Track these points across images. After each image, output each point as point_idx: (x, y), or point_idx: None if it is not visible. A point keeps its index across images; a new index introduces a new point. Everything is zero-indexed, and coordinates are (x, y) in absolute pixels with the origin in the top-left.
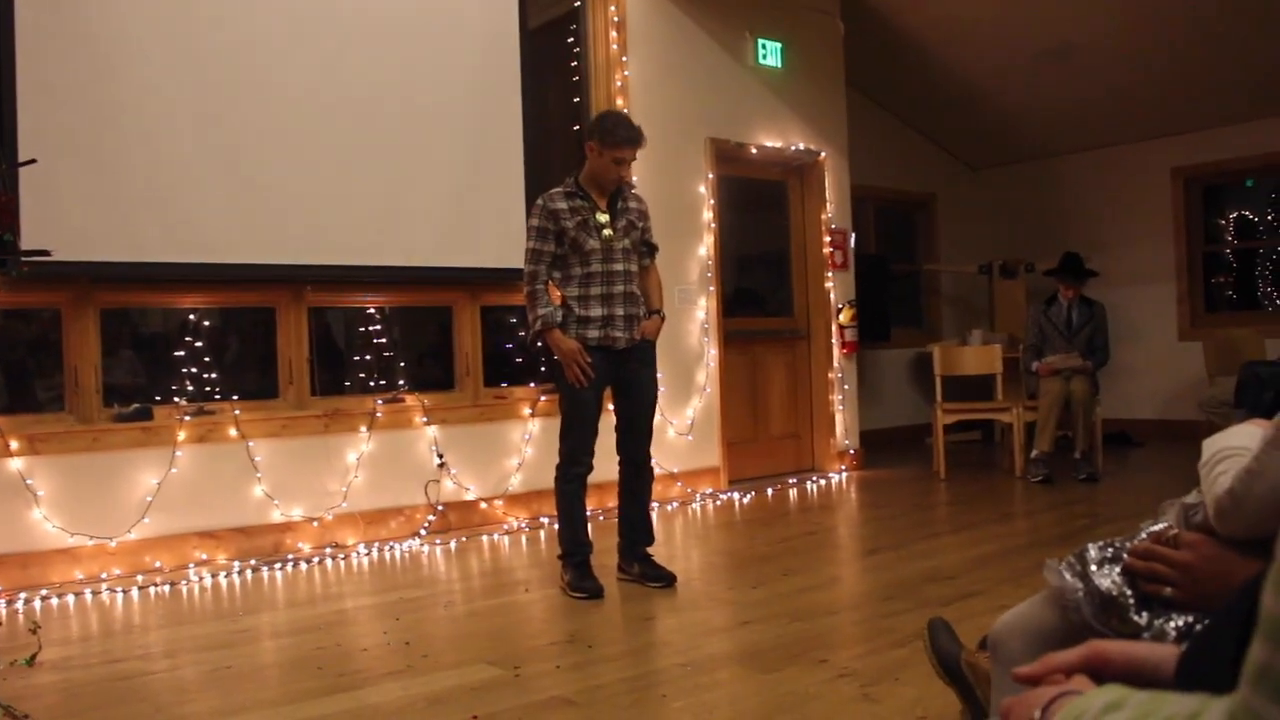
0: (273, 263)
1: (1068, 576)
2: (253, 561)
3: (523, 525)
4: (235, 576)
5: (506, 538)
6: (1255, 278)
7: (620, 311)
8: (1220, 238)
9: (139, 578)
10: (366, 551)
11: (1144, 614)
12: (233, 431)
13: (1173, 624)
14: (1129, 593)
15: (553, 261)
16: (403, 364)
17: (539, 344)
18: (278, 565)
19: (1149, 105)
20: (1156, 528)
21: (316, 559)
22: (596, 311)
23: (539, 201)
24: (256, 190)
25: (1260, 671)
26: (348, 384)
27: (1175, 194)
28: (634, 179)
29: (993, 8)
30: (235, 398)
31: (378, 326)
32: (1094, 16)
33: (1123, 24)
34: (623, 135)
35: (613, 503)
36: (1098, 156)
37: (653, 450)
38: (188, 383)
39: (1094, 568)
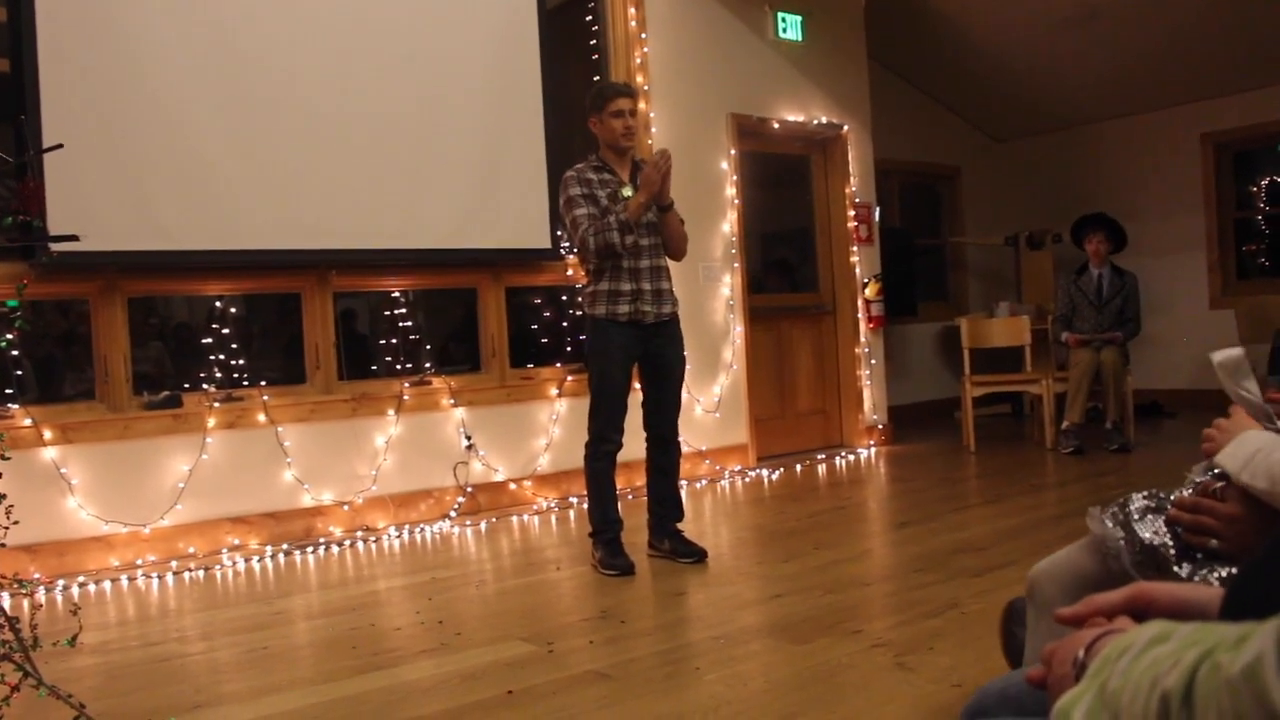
0: (297, 248)
1: (1109, 524)
2: (284, 546)
3: (552, 505)
4: (268, 561)
5: (536, 518)
6: None
7: (648, 286)
8: (1252, 204)
9: (173, 563)
10: (397, 534)
11: (1185, 565)
12: (261, 417)
13: (1215, 575)
14: (1171, 544)
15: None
16: (429, 346)
17: (629, 237)
18: (309, 549)
19: (1176, 70)
20: (1201, 478)
21: (348, 542)
22: (626, 286)
23: (570, 174)
24: (279, 176)
25: None
26: (374, 368)
27: (1205, 160)
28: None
29: None
30: (263, 383)
31: (403, 310)
32: None
33: None
34: (611, 89)
35: (641, 481)
36: (1124, 124)
37: (681, 428)
38: (216, 370)
39: (1137, 517)
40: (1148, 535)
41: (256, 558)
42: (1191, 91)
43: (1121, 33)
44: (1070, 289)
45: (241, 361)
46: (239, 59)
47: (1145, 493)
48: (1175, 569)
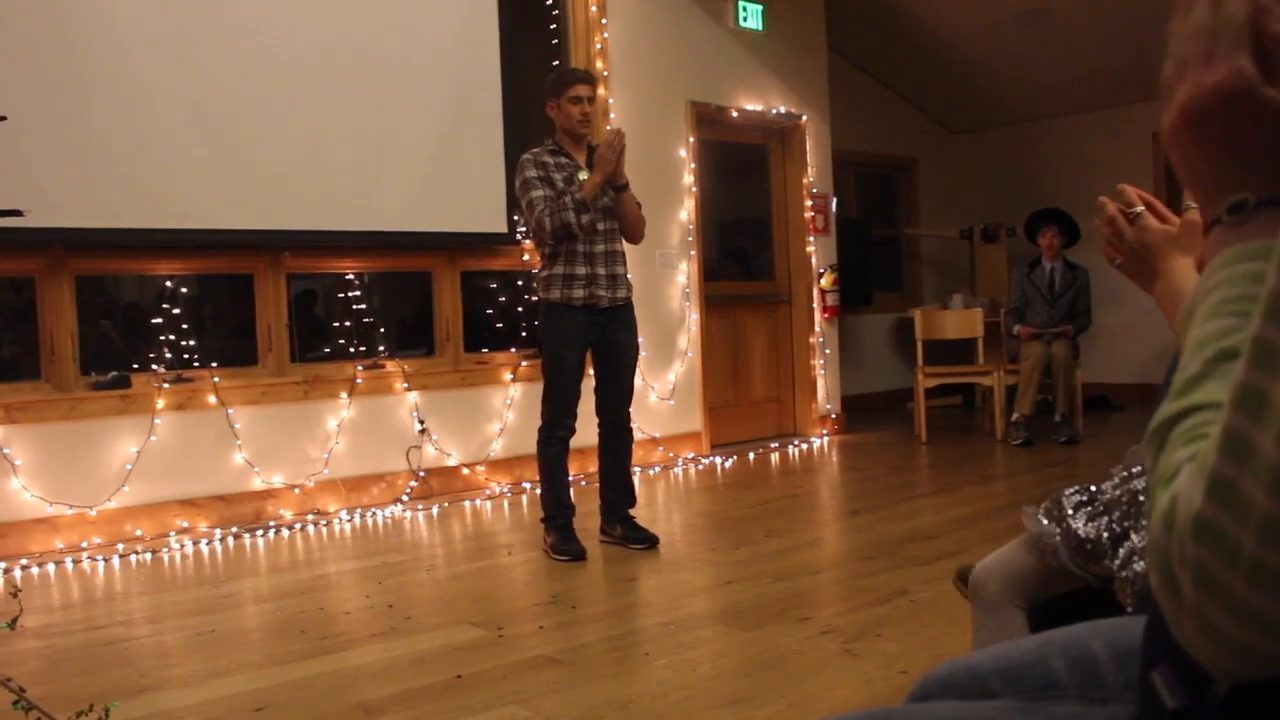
0: (250, 228)
1: (1045, 522)
2: (234, 529)
3: (505, 490)
4: (217, 544)
5: (489, 503)
6: None
7: (603, 270)
8: None
9: (120, 546)
10: (348, 518)
11: (1120, 554)
12: (212, 399)
13: (1142, 565)
14: (1105, 536)
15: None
16: (383, 330)
17: (585, 216)
18: (259, 532)
19: (1129, 68)
20: (1124, 472)
21: (298, 526)
22: (581, 270)
23: (526, 157)
24: (233, 155)
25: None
26: (328, 350)
27: (1156, 158)
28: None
29: None
30: (214, 365)
31: (357, 292)
32: None
33: None
34: (570, 75)
35: (594, 467)
36: (1078, 120)
37: (635, 415)
38: (166, 350)
39: (1070, 512)
40: (1082, 529)
41: (205, 541)
42: (1144, 90)
43: (1075, 29)
44: (1023, 282)
45: (192, 342)
46: (193, 34)
47: (1076, 487)
48: (1108, 561)
